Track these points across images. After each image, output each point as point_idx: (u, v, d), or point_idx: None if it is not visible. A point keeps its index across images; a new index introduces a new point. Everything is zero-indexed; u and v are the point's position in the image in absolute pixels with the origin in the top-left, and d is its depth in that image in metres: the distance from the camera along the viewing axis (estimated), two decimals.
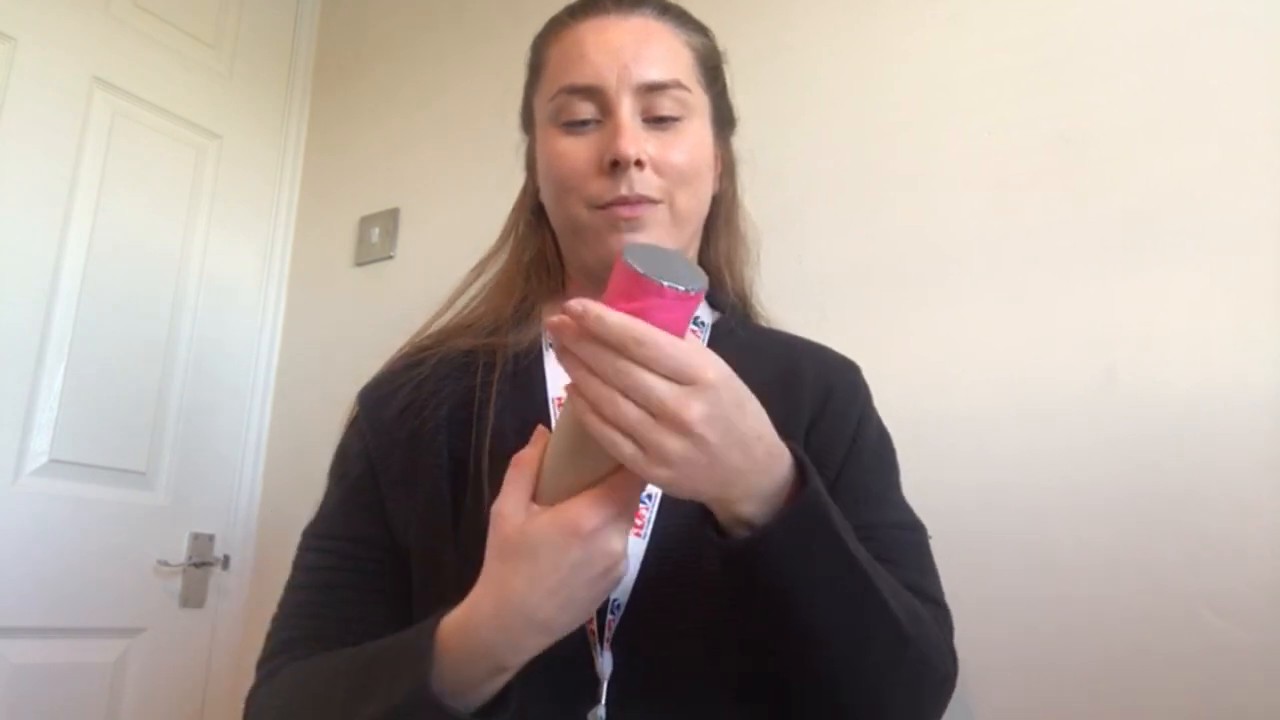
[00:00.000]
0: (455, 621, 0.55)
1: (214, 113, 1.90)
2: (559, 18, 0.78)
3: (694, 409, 0.49)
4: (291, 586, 0.75)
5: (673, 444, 0.49)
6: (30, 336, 1.58)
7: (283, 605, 0.74)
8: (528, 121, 0.82)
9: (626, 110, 0.71)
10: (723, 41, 0.82)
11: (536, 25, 0.81)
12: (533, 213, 0.81)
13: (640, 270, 0.49)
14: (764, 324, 0.88)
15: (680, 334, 0.50)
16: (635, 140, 0.70)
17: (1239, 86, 1.01)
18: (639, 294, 0.49)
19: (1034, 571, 1.02)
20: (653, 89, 0.72)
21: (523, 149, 0.85)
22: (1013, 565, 1.03)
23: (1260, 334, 0.95)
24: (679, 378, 0.49)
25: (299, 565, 0.76)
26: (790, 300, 0.90)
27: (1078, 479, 1.02)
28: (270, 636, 0.72)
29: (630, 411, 0.49)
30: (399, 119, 1.90)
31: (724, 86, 0.82)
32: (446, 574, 0.67)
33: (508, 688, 0.57)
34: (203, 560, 1.77)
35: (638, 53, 0.72)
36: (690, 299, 0.50)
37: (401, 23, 1.96)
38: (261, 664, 0.71)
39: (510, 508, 0.55)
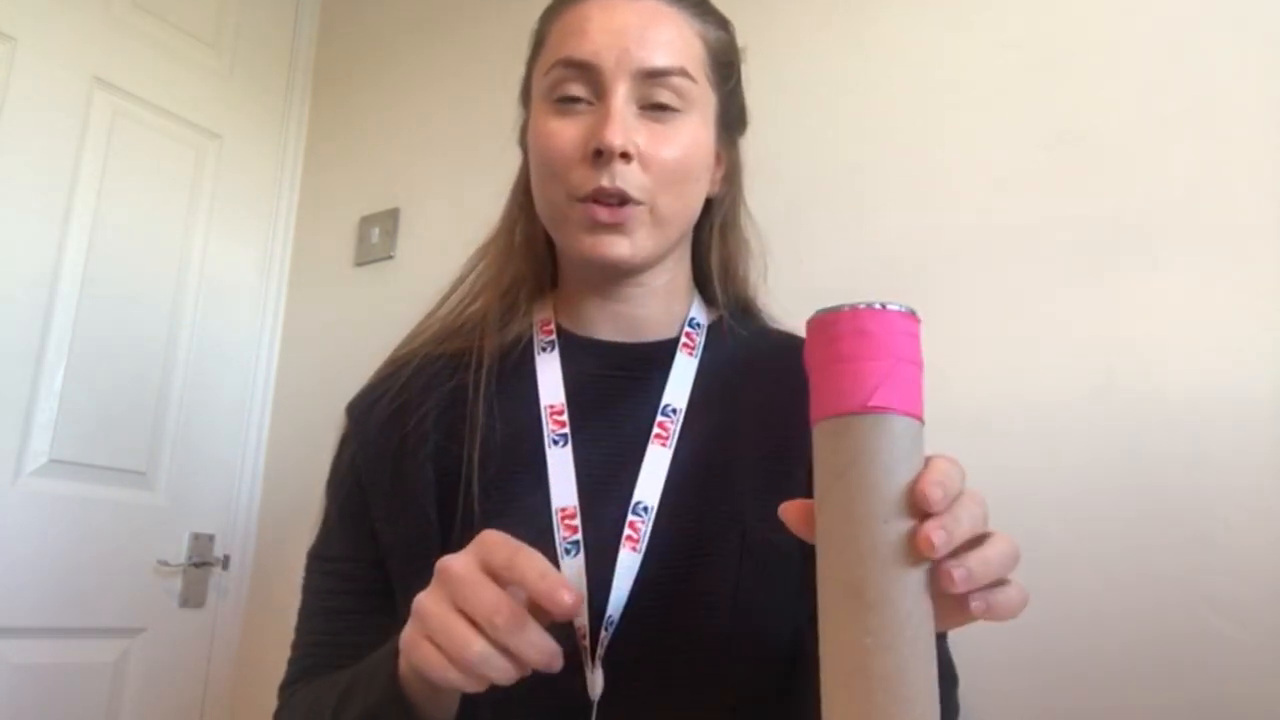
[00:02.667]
0: None
1: (214, 113, 1.90)
2: None
3: None
4: (303, 612, 0.75)
5: None
6: (30, 336, 1.58)
7: (298, 631, 0.74)
8: (525, 96, 0.78)
9: (620, 97, 0.67)
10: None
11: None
12: (525, 193, 0.77)
13: (832, 308, 0.43)
14: (768, 324, 0.84)
15: (917, 358, 0.45)
16: (624, 130, 0.66)
17: (1239, 86, 1.01)
18: (849, 332, 0.43)
19: (1033, 572, 1.01)
20: (653, 75, 0.67)
21: (520, 125, 0.81)
22: None
23: (1259, 334, 0.95)
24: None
25: (307, 588, 0.76)
26: (790, 301, 0.89)
27: (1077, 480, 1.02)
28: (290, 663, 0.73)
29: None
30: (399, 119, 1.90)
31: (737, 85, 0.77)
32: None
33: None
34: (203, 560, 1.77)
35: (642, 36, 0.68)
36: (906, 316, 0.44)
37: (401, 22, 1.96)
38: (282, 690, 0.72)
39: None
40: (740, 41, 0.79)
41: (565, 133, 0.68)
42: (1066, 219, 1.08)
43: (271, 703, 0.72)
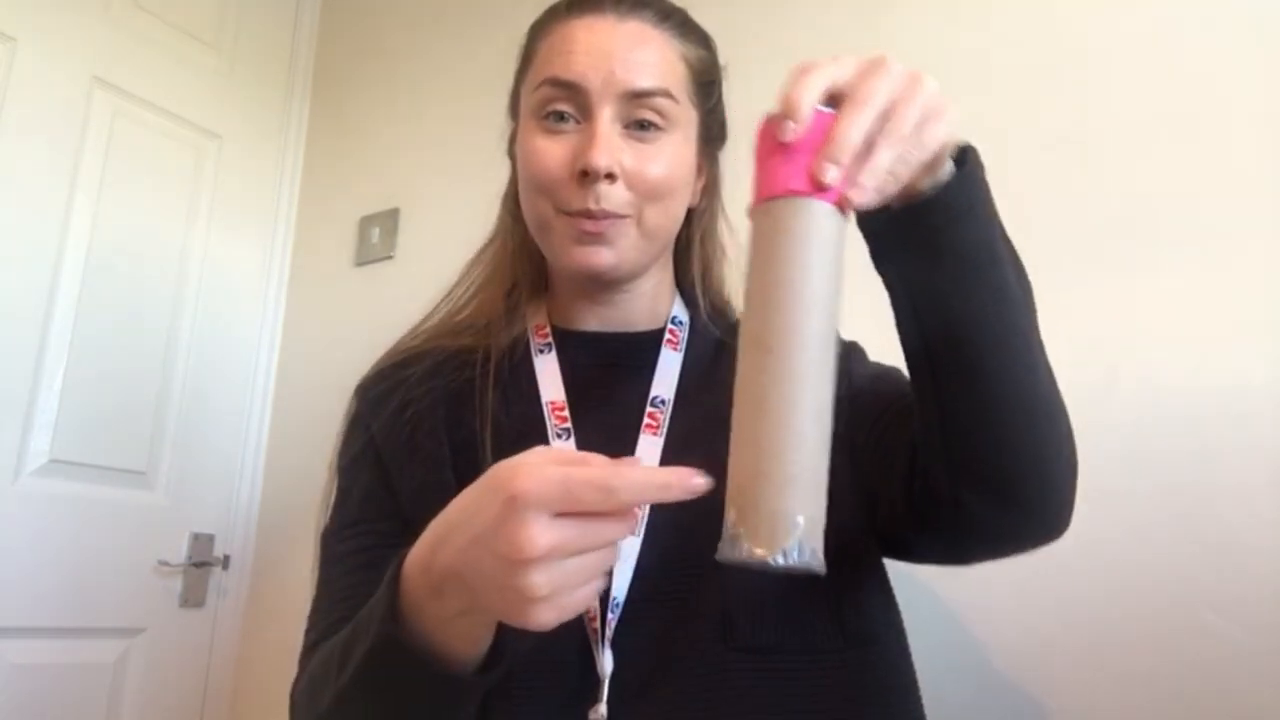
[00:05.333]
0: (410, 555, 0.54)
1: (214, 113, 1.90)
2: (556, 8, 0.77)
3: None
4: (322, 583, 0.73)
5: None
6: (30, 336, 1.58)
7: (318, 600, 0.73)
8: (514, 107, 0.81)
9: (605, 118, 0.70)
10: (722, 42, 0.81)
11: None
12: (516, 200, 0.80)
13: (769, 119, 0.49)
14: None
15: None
16: (609, 152, 0.69)
17: (1239, 86, 1.01)
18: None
19: (1032, 572, 1.02)
20: (637, 96, 0.71)
21: (509, 135, 0.84)
22: (1011, 565, 1.03)
23: (1260, 333, 0.95)
24: None
25: (329, 559, 0.74)
26: None
27: (1077, 480, 1.02)
28: (308, 633, 0.71)
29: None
30: (399, 119, 1.91)
31: (719, 101, 0.80)
32: None
33: (499, 643, 0.55)
34: (203, 560, 1.77)
35: (627, 58, 0.71)
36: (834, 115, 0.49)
37: (401, 23, 1.96)
38: (301, 659, 0.70)
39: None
40: (738, 45, 0.81)
41: (552, 152, 0.71)
42: (1067, 218, 1.08)
43: (271, 702, 0.72)
